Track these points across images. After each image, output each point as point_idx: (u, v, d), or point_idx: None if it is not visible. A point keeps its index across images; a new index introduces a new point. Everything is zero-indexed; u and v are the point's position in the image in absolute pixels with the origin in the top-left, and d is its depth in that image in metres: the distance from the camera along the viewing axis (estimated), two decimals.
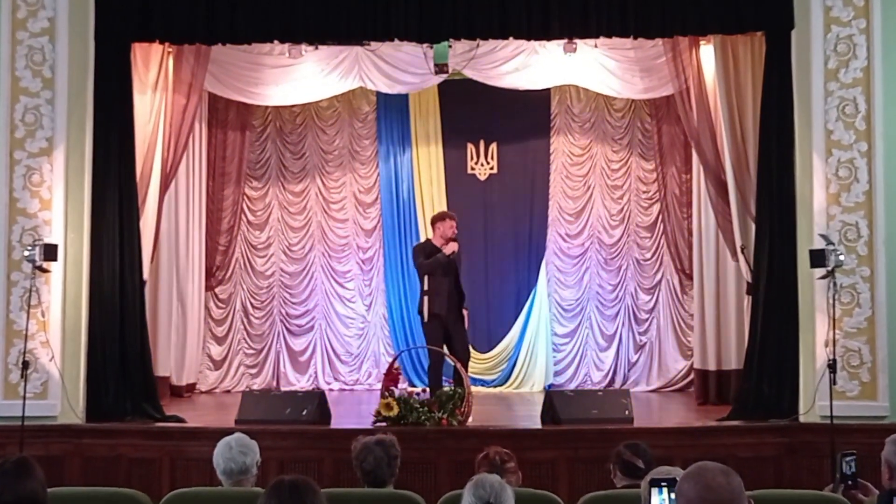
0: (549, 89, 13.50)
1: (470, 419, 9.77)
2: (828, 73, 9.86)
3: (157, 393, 10.61)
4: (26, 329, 9.59)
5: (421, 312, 10.97)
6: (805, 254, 9.66)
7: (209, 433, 8.83)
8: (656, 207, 13.66)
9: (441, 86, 13.29)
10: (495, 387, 13.65)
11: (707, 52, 11.07)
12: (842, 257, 9.44)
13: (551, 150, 13.94)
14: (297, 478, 4.31)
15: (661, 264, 13.64)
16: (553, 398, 10.01)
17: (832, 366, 9.36)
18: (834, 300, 9.47)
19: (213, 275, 13.61)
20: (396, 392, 9.85)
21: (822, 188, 9.82)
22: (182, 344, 12.90)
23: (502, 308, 13.92)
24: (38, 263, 9.51)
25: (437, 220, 11.43)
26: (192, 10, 10.27)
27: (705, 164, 11.17)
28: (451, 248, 10.99)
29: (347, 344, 13.99)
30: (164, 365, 12.32)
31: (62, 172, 9.98)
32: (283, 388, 13.47)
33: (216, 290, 13.74)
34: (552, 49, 12.21)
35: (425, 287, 10.94)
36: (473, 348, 13.66)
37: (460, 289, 11.13)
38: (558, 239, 13.91)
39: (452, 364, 10.56)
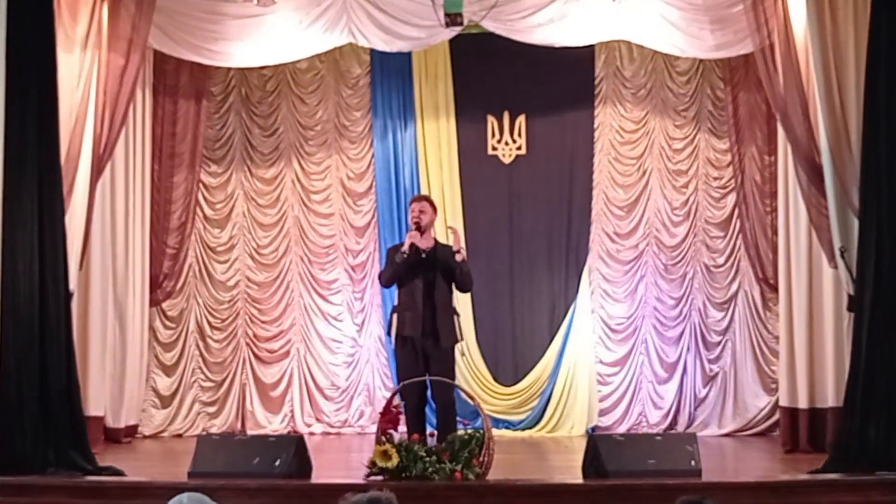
0: (592, 47, 13.49)
1: (491, 471, 9.74)
2: None
3: (87, 438, 10.58)
4: None
5: (389, 333, 10.76)
6: None
7: (155, 489, 8.83)
8: (731, 198, 13.65)
9: (453, 42, 13.30)
10: (524, 429, 13.67)
11: None
12: None
13: (596, 125, 13.96)
14: None
15: (737, 272, 13.62)
16: (598, 444, 9.96)
17: None
18: None
19: (160, 285, 13.62)
20: (396, 437, 9.82)
21: None
22: (120, 375, 12.90)
23: (532, 328, 13.94)
24: None
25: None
26: None
27: (794, 143, 11.14)
28: (410, 238, 10.44)
29: (333, 374, 14.01)
30: (97, 401, 12.34)
31: None
32: (250, 432, 13.52)
33: (164, 305, 13.75)
34: None
35: (395, 301, 10.77)
36: (496, 381, 13.70)
37: (442, 290, 10.49)
38: (605, 239, 13.92)
39: (468, 401, 10.52)
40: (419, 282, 10.44)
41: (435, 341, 10.42)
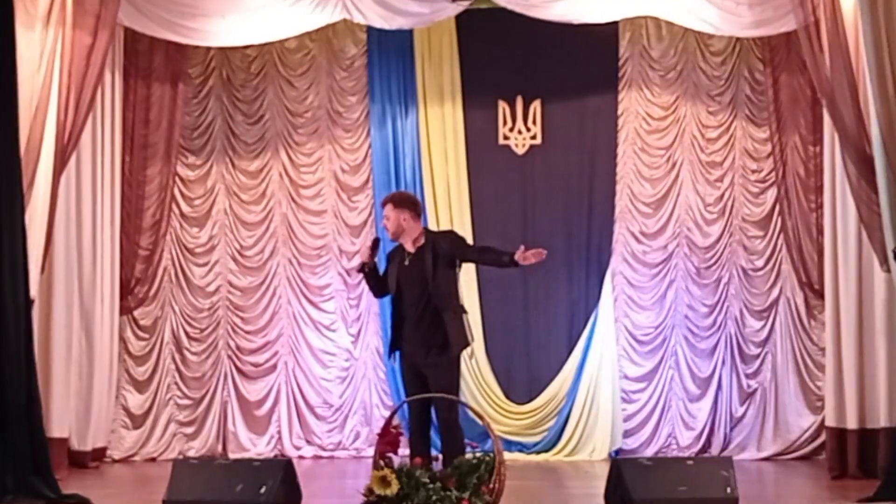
0: (616, 23, 13.51)
1: (503, 500, 9.72)
2: None
3: (49, 462, 10.57)
4: None
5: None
6: None
7: None
8: (771, 194, 13.64)
9: (460, 19, 13.31)
10: (539, 453, 13.70)
11: None
12: None
13: (620, 112, 13.98)
14: None
15: (777, 276, 13.62)
16: (622, 469, 9.95)
17: None
18: None
19: (132, 291, 13.61)
20: (396, 461, 9.80)
21: None
22: (87, 391, 12.90)
23: (549, 339, 13.97)
24: None
25: None
26: None
27: (842, 132, 11.13)
28: (361, 257, 9.99)
29: (325, 391, 14.01)
30: (61, 422, 12.31)
31: None
32: (232, 455, 13.54)
33: (136, 313, 13.75)
34: None
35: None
36: (508, 398, 13.68)
37: (432, 296, 9.79)
38: (630, 239, 13.91)
39: (477, 420, 10.49)
40: (405, 292, 9.88)
41: (426, 354, 9.86)
